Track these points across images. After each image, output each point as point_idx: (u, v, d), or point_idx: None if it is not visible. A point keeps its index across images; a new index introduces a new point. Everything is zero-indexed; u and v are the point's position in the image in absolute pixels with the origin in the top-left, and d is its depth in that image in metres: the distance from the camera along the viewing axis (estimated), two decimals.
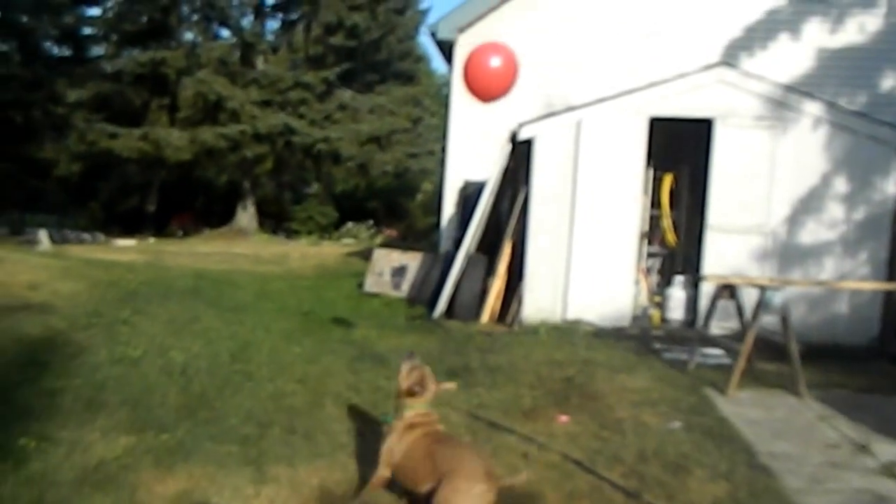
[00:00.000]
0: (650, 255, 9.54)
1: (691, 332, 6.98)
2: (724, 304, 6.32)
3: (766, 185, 8.00)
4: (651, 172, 9.21)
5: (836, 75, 9.18)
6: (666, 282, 8.98)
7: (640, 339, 7.75)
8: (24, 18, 24.99)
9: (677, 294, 8.31)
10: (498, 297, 8.64)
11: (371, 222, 28.03)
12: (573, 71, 9.45)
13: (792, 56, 9.35)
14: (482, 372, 6.10)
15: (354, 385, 5.47)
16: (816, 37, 9.37)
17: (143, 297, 7.06)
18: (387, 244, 20.12)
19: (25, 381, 4.23)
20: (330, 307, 9.33)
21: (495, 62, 6.85)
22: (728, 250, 7.99)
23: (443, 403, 5.17)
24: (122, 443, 3.73)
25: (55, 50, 26.78)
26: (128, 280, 7.57)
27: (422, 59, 32.76)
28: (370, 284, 10.80)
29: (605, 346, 7.17)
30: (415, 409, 3.55)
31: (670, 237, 9.23)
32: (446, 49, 10.08)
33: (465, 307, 8.48)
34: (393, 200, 31.24)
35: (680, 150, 8.92)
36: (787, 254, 8.09)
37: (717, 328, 6.97)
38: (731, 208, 8.05)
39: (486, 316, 8.54)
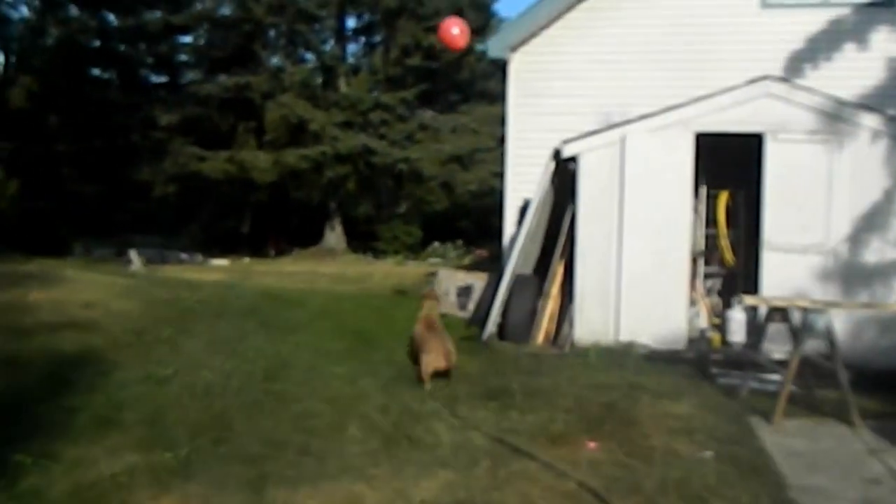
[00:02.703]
0: (709, 276, 9.21)
1: (751, 356, 6.65)
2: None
3: (823, 202, 7.63)
4: (705, 190, 8.95)
5: None
6: (726, 303, 8.61)
7: (696, 362, 7.48)
8: (123, 47, 26.84)
9: (737, 316, 7.94)
10: (552, 318, 8.51)
11: (460, 242, 28.17)
12: (626, 87, 9.33)
13: (859, 67, 8.91)
14: (521, 395, 6.01)
15: (385, 407, 5.49)
16: (885, 46, 8.91)
17: (195, 316, 7.35)
18: (476, 264, 20.17)
19: (46, 397, 4.47)
20: (388, 327, 9.40)
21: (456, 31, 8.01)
22: (787, 270, 7.64)
23: (470, 427, 5.16)
24: (127, 461, 3.87)
25: (151, 77, 28.64)
26: (185, 299, 7.89)
27: None
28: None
29: (657, 370, 6.97)
30: (425, 308, 6.79)
31: (728, 257, 8.90)
32: (502, 67, 10.11)
33: (516, 329, 8.39)
34: (484, 220, 31.24)
35: (736, 166, 8.59)
36: (851, 274, 7.65)
37: (778, 352, 6.67)
38: (787, 226, 7.73)
39: (539, 338, 8.42)
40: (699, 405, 5.79)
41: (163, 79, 29.19)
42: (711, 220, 9.03)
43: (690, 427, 5.26)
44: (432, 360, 6.21)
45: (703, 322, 8.52)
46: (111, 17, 27.34)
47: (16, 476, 3.51)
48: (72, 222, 23.02)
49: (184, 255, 22.70)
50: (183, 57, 29.02)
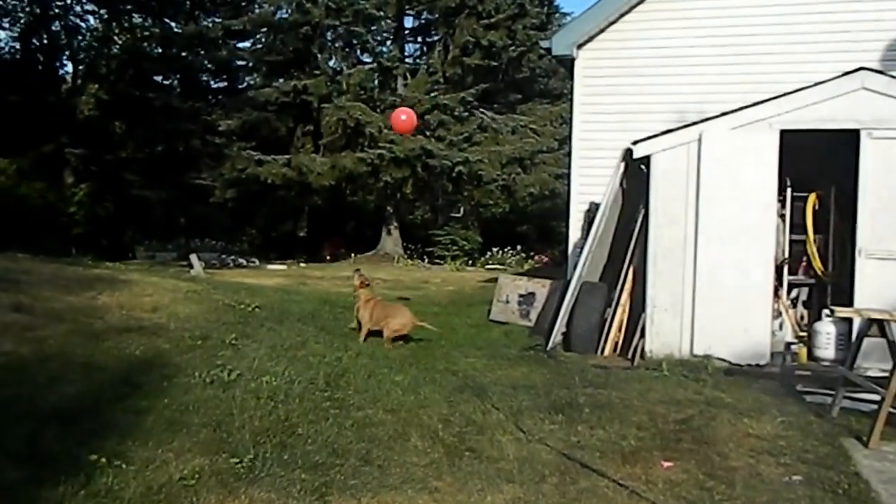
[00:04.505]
0: (794, 285, 8.89)
1: (843, 372, 6.40)
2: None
3: None
4: (790, 192, 8.64)
5: None
6: (815, 315, 8.32)
7: (780, 378, 7.22)
8: (184, 53, 27.76)
9: (827, 329, 7.65)
10: (620, 328, 8.38)
11: (520, 247, 28.09)
12: (702, 83, 9.14)
13: None
14: (588, 408, 5.96)
15: (447, 417, 5.52)
16: None
17: (257, 320, 7.51)
18: (537, 271, 20.07)
19: (116, 399, 4.63)
20: (449, 335, 9.43)
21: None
22: (885, 280, 7.29)
23: (536, 440, 5.13)
24: (194, 464, 3.97)
25: (211, 82, 29.56)
26: (246, 304, 8.08)
27: None
28: (496, 312, 10.81)
29: (736, 386, 6.80)
30: (365, 294, 8.09)
31: (816, 265, 8.57)
32: (568, 65, 10.04)
33: (582, 339, 8.29)
34: (546, 224, 31.09)
35: (826, 166, 8.27)
36: None
37: (873, 369, 6.47)
38: (885, 232, 7.38)
39: (607, 349, 8.31)
40: (785, 424, 5.62)
41: (222, 84, 30.08)
42: (797, 225, 8.74)
43: (776, 448, 5.12)
44: (398, 325, 7.96)
45: (787, 335, 8.30)
46: (172, 25, 28.36)
47: (91, 475, 3.64)
48: (135, 227, 23.93)
49: (241, 260, 23.29)
50: (241, 62, 29.84)
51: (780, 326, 8.29)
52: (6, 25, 29.81)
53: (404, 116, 9.46)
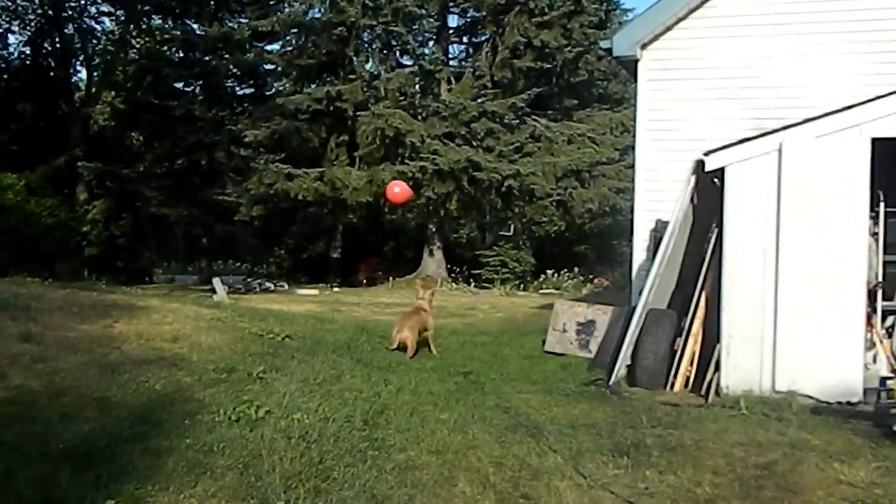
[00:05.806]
0: (889, 313, 8.75)
1: None
2: None
3: None
4: (883, 207, 8.52)
5: None
6: None
7: (874, 418, 7.13)
8: (207, 58, 28.44)
9: None
10: (692, 361, 8.36)
11: (577, 269, 28.02)
12: (783, 87, 9.13)
13: None
14: (657, 451, 5.95)
15: (499, 459, 5.56)
16: None
17: (286, 351, 7.67)
18: (596, 295, 20.03)
19: (134, 438, 4.76)
20: (499, 367, 9.48)
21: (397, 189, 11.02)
22: None
23: (599, 486, 5.14)
24: None
25: (237, 89, 30.17)
26: (276, 333, 8.25)
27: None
28: (552, 342, 10.84)
29: (825, 426, 6.72)
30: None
31: None
32: (630, 67, 10.09)
33: (649, 372, 8.28)
34: (606, 244, 31.00)
35: None
36: None
37: None
38: None
39: (677, 384, 8.29)
40: (882, 470, 5.54)
41: (248, 91, 30.67)
42: (892, 245, 8.64)
43: (871, 496, 5.07)
44: (394, 335, 9.52)
45: (882, 369, 8.16)
46: (194, 27, 29.09)
47: None
48: (153, 247, 24.47)
49: (269, 284, 23.66)
50: (269, 66, 30.39)
51: (874, 359, 8.18)
52: (15, 28, 30.93)
53: (398, 189, 10.85)
